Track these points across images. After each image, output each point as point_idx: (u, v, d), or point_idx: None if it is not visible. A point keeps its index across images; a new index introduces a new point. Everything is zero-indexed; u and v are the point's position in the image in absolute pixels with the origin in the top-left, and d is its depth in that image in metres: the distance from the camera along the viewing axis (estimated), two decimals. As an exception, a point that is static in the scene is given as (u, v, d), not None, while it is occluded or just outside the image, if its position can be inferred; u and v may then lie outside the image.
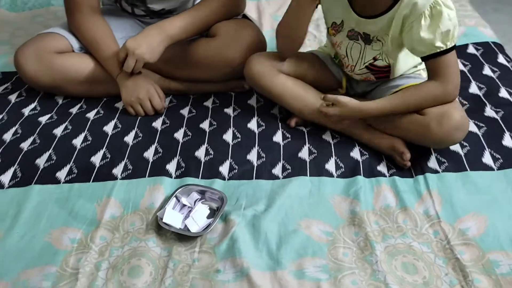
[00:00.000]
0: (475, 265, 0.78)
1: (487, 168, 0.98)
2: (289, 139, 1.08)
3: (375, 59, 1.03)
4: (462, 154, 1.02)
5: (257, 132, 1.11)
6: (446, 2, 0.90)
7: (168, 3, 1.25)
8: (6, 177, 0.98)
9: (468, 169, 0.98)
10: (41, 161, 1.02)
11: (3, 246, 0.83)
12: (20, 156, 1.03)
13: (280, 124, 1.13)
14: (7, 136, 1.10)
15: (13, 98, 1.25)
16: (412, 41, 0.94)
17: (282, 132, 1.10)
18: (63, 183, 0.97)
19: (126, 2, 1.27)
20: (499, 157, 1.00)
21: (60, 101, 1.24)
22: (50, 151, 1.05)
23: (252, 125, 1.13)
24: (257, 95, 1.24)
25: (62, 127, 1.13)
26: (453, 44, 0.94)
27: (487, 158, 1.00)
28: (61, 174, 0.99)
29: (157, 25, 1.14)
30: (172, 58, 1.21)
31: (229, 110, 1.18)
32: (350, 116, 1.02)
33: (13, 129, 1.13)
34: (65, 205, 0.91)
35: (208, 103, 1.22)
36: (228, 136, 1.09)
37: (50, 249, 0.82)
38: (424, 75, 1.07)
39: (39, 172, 0.99)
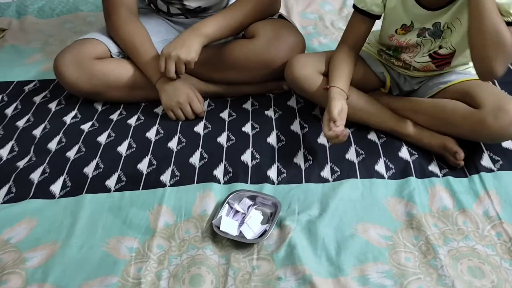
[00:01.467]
0: (543, 267, 0.76)
1: (544, 165, 0.95)
2: (335, 141, 1.07)
3: (440, 47, 1.00)
4: (516, 151, 0.99)
5: (301, 134, 1.10)
6: None
7: (204, 1, 1.25)
8: (56, 187, 0.98)
9: (524, 167, 0.95)
10: (89, 170, 1.02)
11: (62, 256, 0.83)
12: (68, 165, 1.04)
13: (322, 125, 1.11)
14: (52, 145, 1.11)
15: (53, 106, 1.25)
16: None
17: (327, 134, 1.09)
18: (113, 191, 0.97)
19: (162, 0, 1.26)
20: (556, 153, 0.98)
21: (100, 108, 1.24)
22: (96, 159, 1.05)
23: (295, 127, 1.12)
24: (296, 96, 1.22)
25: (105, 134, 1.13)
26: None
27: (543, 155, 0.98)
28: (111, 182, 0.99)
29: (190, 28, 1.13)
30: (209, 61, 1.20)
31: (269, 112, 1.17)
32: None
33: (57, 138, 1.13)
34: (118, 214, 0.91)
35: (247, 106, 1.21)
36: (272, 139, 1.08)
37: (109, 259, 0.82)
38: (474, 72, 1.04)
39: (88, 181, 0.99)
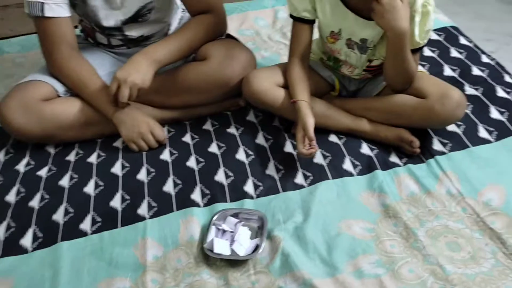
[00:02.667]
0: (508, 231, 0.86)
1: (486, 141, 1.07)
2: (300, 147, 1.11)
3: (370, 61, 1.09)
4: (460, 132, 1.10)
5: (267, 146, 1.13)
6: (431, 3, 0.98)
7: (146, 29, 1.24)
8: (27, 240, 0.93)
9: (470, 145, 1.06)
10: (58, 217, 0.97)
11: (51, 312, 0.78)
12: (35, 216, 0.98)
13: (285, 134, 1.16)
14: (11, 198, 1.04)
15: (1, 157, 1.17)
16: None
17: (291, 142, 1.13)
18: (91, 234, 0.93)
19: (101, 33, 1.24)
20: (493, 129, 1.10)
21: (52, 151, 1.18)
22: (64, 204, 1.00)
23: (260, 140, 1.15)
24: (253, 110, 1.25)
25: (67, 177, 1.08)
26: (426, 43, 1.03)
27: (482, 132, 1.09)
28: (85, 225, 0.95)
29: (141, 52, 1.12)
30: (163, 87, 1.19)
31: (232, 130, 1.19)
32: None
33: (14, 189, 1.06)
34: (102, 256, 0.88)
35: (208, 126, 1.23)
36: (241, 155, 1.10)
37: (103, 305, 0.79)
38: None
39: (61, 228, 0.95)
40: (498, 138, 1.07)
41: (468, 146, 1.06)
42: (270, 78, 1.11)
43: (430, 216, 0.91)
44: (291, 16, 1.10)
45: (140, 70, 1.08)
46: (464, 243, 0.85)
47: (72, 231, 0.94)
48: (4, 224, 0.96)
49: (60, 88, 1.18)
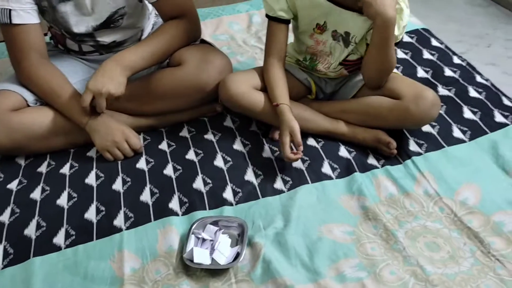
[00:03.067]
0: (485, 229, 0.87)
1: (460, 141, 1.09)
2: (279, 152, 1.11)
3: (348, 54, 1.10)
4: (435, 133, 1.12)
5: (245, 151, 1.12)
6: (405, 0, 0.99)
7: (118, 34, 1.21)
8: (-4, 258, 0.88)
9: (445, 146, 1.08)
10: (30, 231, 0.93)
11: (24, 332, 0.75)
12: (5, 231, 0.94)
13: (264, 139, 1.15)
14: (-21, 213, 0.99)
15: (-33, 169, 1.12)
16: None
17: (269, 147, 1.12)
18: (64, 248, 0.90)
19: (72, 39, 1.21)
20: (466, 129, 1.12)
21: (23, 162, 1.14)
22: (36, 218, 0.97)
23: (238, 146, 1.14)
24: (230, 116, 1.24)
25: (38, 189, 1.04)
26: (401, 37, 1.05)
27: (457, 132, 1.11)
28: (59, 240, 0.91)
29: (111, 59, 1.09)
30: (137, 94, 1.17)
31: (209, 136, 1.18)
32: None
33: (-18, 203, 1.02)
34: (76, 271, 0.85)
35: (184, 133, 1.20)
36: (219, 162, 1.09)
37: (80, 322, 0.76)
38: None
39: (33, 243, 0.91)
40: (472, 138, 1.09)
41: (443, 146, 1.07)
42: (247, 82, 1.11)
43: (409, 217, 0.91)
44: (267, 16, 1.10)
45: (114, 78, 1.05)
46: (442, 243, 0.86)
47: (45, 246, 0.90)
48: (-28, 241, 0.92)
49: (29, 97, 1.14)
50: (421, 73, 1.35)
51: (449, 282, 0.78)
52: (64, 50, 1.28)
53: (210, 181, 1.03)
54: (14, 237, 0.93)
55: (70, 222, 0.95)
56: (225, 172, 1.06)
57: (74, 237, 0.92)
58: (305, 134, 1.14)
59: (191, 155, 1.12)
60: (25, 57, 1.11)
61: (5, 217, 0.97)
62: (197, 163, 1.09)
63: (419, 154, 1.06)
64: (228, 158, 1.10)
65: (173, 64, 1.19)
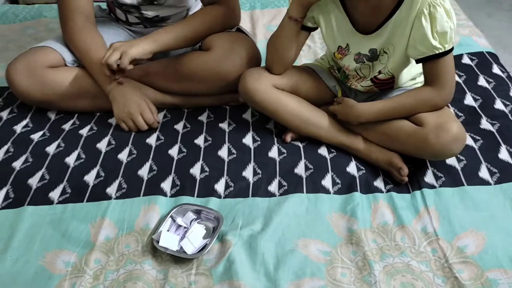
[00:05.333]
0: (474, 283, 0.78)
1: (484, 182, 0.98)
2: (285, 155, 1.08)
3: (379, 72, 1.03)
4: (459, 168, 1.01)
5: (252, 147, 1.10)
6: (443, 3, 0.90)
7: (162, 10, 1.25)
8: (-2, 198, 0.96)
9: (465, 184, 0.97)
10: (33, 181, 1.00)
11: (-4, 271, 0.81)
12: (12, 176, 1.02)
13: (275, 139, 1.12)
14: (-1, 156, 1.09)
15: (4, 114, 1.23)
16: (414, 40, 0.94)
17: (278, 148, 1.10)
18: (56, 203, 0.95)
19: (120, 9, 1.26)
20: (496, 171, 1.00)
21: (53, 117, 1.22)
22: (42, 170, 1.03)
23: (248, 140, 1.12)
24: (252, 109, 1.23)
25: (54, 144, 1.11)
26: (451, 47, 0.94)
27: (483, 172, 1.00)
28: (54, 194, 0.97)
29: (146, 35, 1.13)
30: (165, 71, 1.20)
31: (224, 125, 1.17)
32: (347, 116, 1.04)
33: (5, 147, 1.11)
34: (58, 227, 0.90)
35: (203, 118, 1.21)
36: (223, 152, 1.08)
37: (44, 274, 0.81)
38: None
39: (31, 192, 0.98)
40: (498, 182, 0.97)
41: (462, 184, 0.97)
42: (268, 78, 1.08)
43: (394, 251, 0.84)
44: None
45: (135, 44, 1.08)
46: (421, 287, 0.78)
47: (40, 198, 0.96)
48: (-16, 179, 1.01)
49: (68, 57, 1.21)
50: (468, 100, 1.23)
51: (411, 331, 0.71)
52: (114, 19, 1.34)
53: (208, 170, 1.03)
54: (18, 183, 1.00)
55: (70, 181, 1.01)
56: (225, 163, 1.05)
57: (68, 195, 0.97)
58: (319, 143, 1.10)
59: (199, 141, 1.12)
60: (71, 18, 1.18)
61: (18, 164, 1.05)
62: (202, 150, 1.09)
63: (432, 187, 0.97)
64: (234, 151, 1.09)
65: (204, 48, 1.20)
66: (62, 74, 1.17)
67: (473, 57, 1.41)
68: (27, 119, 1.21)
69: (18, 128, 1.18)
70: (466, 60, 1.40)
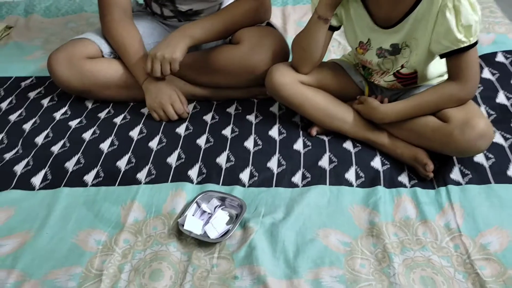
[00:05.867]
0: (496, 281, 0.77)
1: (512, 181, 0.96)
2: (310, 147, 1.09)
3: (402, 66, 1.03)
4: (487, 166, 1.00)
5: (278, 139, 1.12)
6: None
7: (196, 4, 1.29)
8: (37, 179, 1.03)
9: (493, 182, 0.96)
10: (70, 164, 1.06)
11: (33, 246, 0.87)
12: (51, 159, 1.08)
13: (301, 132, 1.14)
14: (39, 140, 1.15)
15: (45, 102, 1.30)
16: (438, 34, 0.93)
17: (303, 141, 1.11)
18: (90, 186, 1.01)
19: (156, 3, 1.31)
20: (525, 170, 0.98)
21: (90, 106, 1.29)
22: (79, 154, 1.09)
23: (274, 132, 1.14)
24: (279, 103, 1.25)
25: (90, 131, 1.17)
26: (475, 40, 0.92)
27: (512, 171, 0.98)
28: (89, 178, 1.03)
29: (178, 29, 1.17)
30: (196, 64, 1.23)
31: (251, 117, 1.20)
32: (370, 117, 1.06)
33: (45, 132, 1.18)
34: (91, 208, 0.95)
35: (231, 110, 1.24)
36: (249, 143, 1.11)
37: (77, 250, 0.86)
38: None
39: (68, 175, 1.04)
40: (527, 181, 0.96)
41: (489, 182, 0.96)
42: (294, 73, 1.10)
43: (415, 245, 0.85)
44: None
45: (171, 43, 1.13)
46: (441, 281, 0.78)
47: (76, 180, 1.02)
48: (25, 161, 1.08)
49: (106, 49, 1.27)
50: (501, 98, 1.21)
51: (427, 323, 0.72)
52: (150, 13, 1.39)
53: (233, 160, 1.06)
54: (56, 166, 1.06)
55: (103, 165, 1.06)
56: (251, 154, 1.08)
57: (101, 179, 1.03)
58: (344, 137, 1.10)
59: (227, 132, 1.15)
60: (109, 12, 1.24)
61: (56, 148, 1.12)
62: (229, 140, 1.12)
63: (458, 184, 0.96)
64: (259, 142, 1.11)
65: (234, 41, 1.23)
66: (99, 65, 1.23)
67: (508, 55, 1.37)
68: (66, 107, 1.28)
69: (58, 115, 1.25)
70: (500, 58, 1.37)
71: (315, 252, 0.84)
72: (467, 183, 0.96)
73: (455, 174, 0.99)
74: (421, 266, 0.81)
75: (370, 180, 1.00)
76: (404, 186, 0.98)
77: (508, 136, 1.07)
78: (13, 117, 1.25)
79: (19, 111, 1.27)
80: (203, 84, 1.28)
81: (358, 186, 0.98)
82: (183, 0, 1.28)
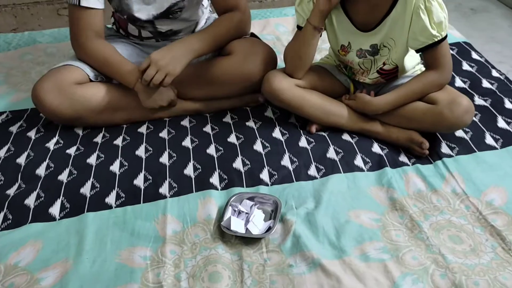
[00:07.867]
0: (508, 228, 0.91)
1: (491, 148, 1.12)
2: (314, 143, 1.18)
3: (384, 63, 1.16)
4: (468, 138, 1.16)
5: (283, 140, 1.19)
6: None
7: (175, 24, 1.32)
8: (55, 209, 0.99)
9: (477, 151, 1.11)
10: (86, 190, 1.04)
11: (77, 273, 0.85)
12: (63, 188, 1.05)
13: (301, 131, 1.22)
14: (41, 171, 1.11)
15: (32, 134, 1.25)
16: (414, 32, 1.08)
17: (306, 138, 1.19)
18: (115, 207, 1.00)
19: (134, 25, 1.32)
20: (499, 137, 1.15)
21: (81, 132, 1.26)
22: (91, 179, 1.07)
23: (277, 134, 1.21)
24: (271, 107, 1.32)
25: (94, 156, 1.15)
26: (445, 34, 1.09)
27: (489, 140, 1.15)
28: (110, 200, 1.01)
29: (180, 40, 1.20)
30: (189, 78, 1.26)
31: (250, 123, 1.26)
32: (364, 110, 1.17)
33: (44, 163, 1.13)
34: (124, 227, 0.94)
35: (227, 119, 1.29)
36: (258, 147, 1.16)
37: (125, 269, 0.85)
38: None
39: (87, 200, 1.01)
40: (503, 146, 1.12)
41: (474, 151, 1.11)
42: (290, 79, 1.18)
43: (435, 211, 0.96)
44: (298, 27, 1.17)
45: (175, 57, 1.15)
46: (465, 237, 0.90)
47: (98, 204, 1.00)
48: (34, 194, 1.03)
49: (91, 72, 1.25)
50: (458, 83, 1.39)
51: (468, 271, 0.82)
52: (124, 35, 1.40)
53: (249, 163, 1.11)
54: (70, 194, 1.03)
55: (121, 186, 1.05)
56: (263, 156, 1.13)
57: (123, 199, 1.02)
58: (340, 130, 1.20)
59: (232, 139, 1.20)
60: (82, 34, 1.21)
61: (64, 177, 1.08)
62: (237, 146, 1.17)
63: (450, 156, 1.11)
64: (267, 144, 1.17)
65: (224, 53, 1.29)
66: (90, 90, 1.22)
67: (453, 47, 1.59)
68: (57, 137, 1.24)
69: (51, 145, 1.21)
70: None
71: (353, 232, 0.91)
72: (456, 154, 1.11)
73: (445, 149, 1.13)
74: (446, 227, 0.92)
75: (376, 163, 1.10)
76: (407, 164, 1.10)
77: (475, 112, 1.24)
78: (1, 153, 1.18)
79: (6, 147, 1.20)
80: (196, 98, 1.31)
81: (368, 170, 1.08)
82: (164, 20, 1.31)
